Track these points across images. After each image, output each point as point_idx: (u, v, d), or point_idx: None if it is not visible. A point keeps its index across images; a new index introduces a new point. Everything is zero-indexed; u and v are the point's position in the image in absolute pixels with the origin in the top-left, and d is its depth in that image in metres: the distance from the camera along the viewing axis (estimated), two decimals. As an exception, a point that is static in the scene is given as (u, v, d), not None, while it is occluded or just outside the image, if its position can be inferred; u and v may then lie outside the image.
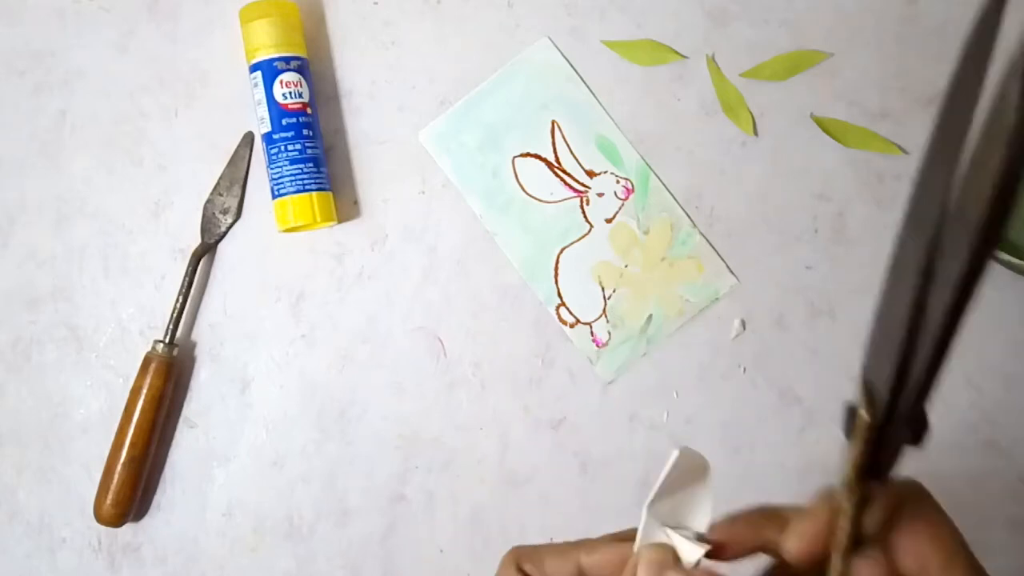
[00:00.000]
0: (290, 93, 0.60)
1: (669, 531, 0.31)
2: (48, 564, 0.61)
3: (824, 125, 0.62)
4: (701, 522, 0.32)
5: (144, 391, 0.59)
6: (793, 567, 0.32)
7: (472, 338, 0.62)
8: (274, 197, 0.61)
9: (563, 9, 0.63)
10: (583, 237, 0.62)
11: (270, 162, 0.61)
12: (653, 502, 0.32)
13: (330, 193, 0.61)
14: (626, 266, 0.62)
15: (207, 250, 0.62)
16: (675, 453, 0.31)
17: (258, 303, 0.63)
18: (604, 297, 0.62)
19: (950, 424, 0.60)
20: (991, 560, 0.31)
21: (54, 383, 0.63)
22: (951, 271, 0.24)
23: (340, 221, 0.63)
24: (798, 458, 0.60)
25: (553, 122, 0.63)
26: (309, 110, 0.61)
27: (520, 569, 0.34)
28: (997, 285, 0.60)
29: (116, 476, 0.59)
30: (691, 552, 0.31)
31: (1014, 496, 0.59)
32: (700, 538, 0.32)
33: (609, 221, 0.62)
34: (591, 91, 0.63)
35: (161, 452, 0.62)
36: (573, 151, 0.63)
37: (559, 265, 0.62)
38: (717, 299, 0.61)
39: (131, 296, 0.63)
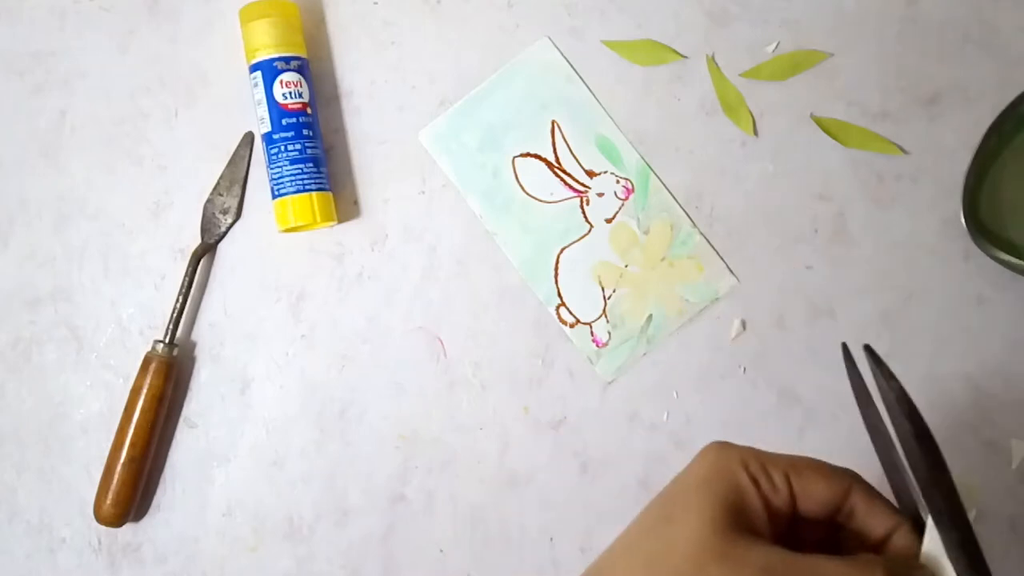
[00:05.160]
0: (290, 93, 0.60)
1: (945, 562, 0.31)
2: (48, 564, 0.61)
3: (824, 125, 0.62)
4: None
5: (144, 391, 0.59)
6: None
7: (472, 338, 0.62)
8: (274, 197, 0.61)
9: (563, 9, 0.63)
10: (583, 237, 0.62)
11: (270, 162, 0.61)
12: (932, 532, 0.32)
13: (330, 193, 0.61)
14: (626, 266, 0.62)
15: (207, 250, 0.62)
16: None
17: (258, 303, 0.63)
18: (604, 297, 0.62)
19: (950, 424, 0.60)
20: (991, 560, 0.31)
21: (54, 383, 0.63)
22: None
23: (340, 221, 0.63)
24: (798, 458, 0.60)
25: (553, 122, 0.63)
26: (309, 110, 0.61)
27: (747, 469, 0.33)
28: (997, 285, 0.60)
29: (116, 476, 0.59)
30: None
31: (1014, 496, 0.59)
32: None
33: (609, 221, 0.62)
34: (591, 91, 0.63)
35: (161, 452, 0.62)
36: (573, 151, 0.63)
37: (559, 265, 0.62)
38: (717, 299, 0.61)
39: (131, 296, 0.63)
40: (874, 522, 0.34)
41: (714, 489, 0.32)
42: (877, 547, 0.34)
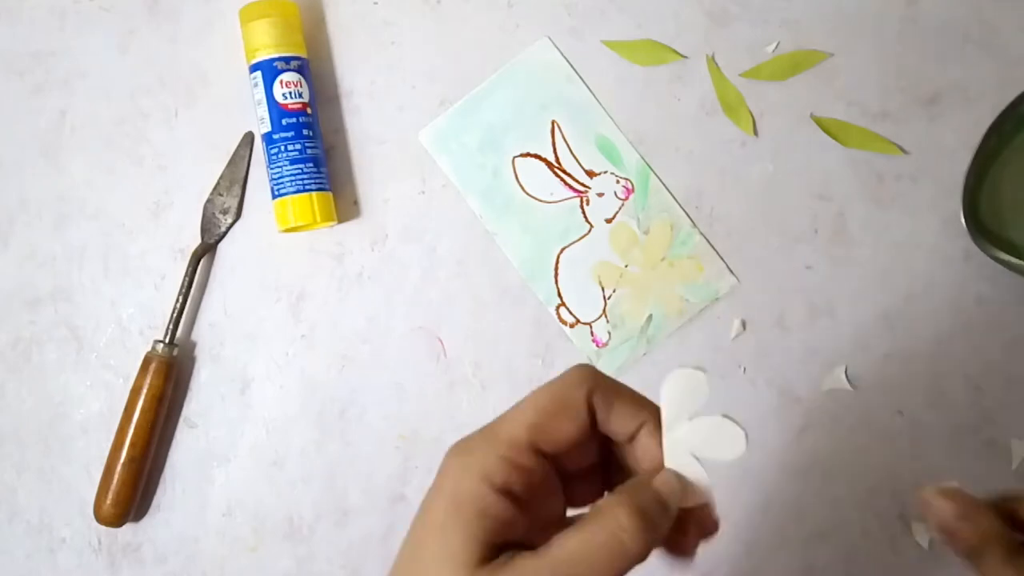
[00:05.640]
0: (290, 93, 0.60)
1: (690, 459, 0.32)
2: (48, 564, 0.61)
3: (824, 125, 0.62)
4: (733, 451, 0.32)
5: (144, 391, 0.59)
6: None
7: (472, 338, 0.62)
8: (274, 197, 0.61)
9: (563, 9, 0.63)
10: (583, 237, 0.62)
11: (270, 162, 0.61)
12: (670, 429, 0.32)
13: (330, 193, 0.61)
14: (626, 266, 0.62)
15: (207, 250, 0.62)
16: (669, 377, 0.32)
17: (258, 303, 0.63)
18: (604, 297, 0.62)
19: (950, 424, 0.60)
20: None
21: (54, 383, 0.63)
22: None
23: (340, 221, 0.63)
24: (798, 458, 0.60)
25: (553, 122, 0.63)
26: (309, 110, 0.61)
27: (491, 482, 0.31)
28: (997, 285, 0.60)
29: (116, 476, 0.59)
30: (701, 485, 0.32)
31: (1014, 496, 0.59)
32: None
33: (609, 221, 0.62)
34: (591, 91, 0.63)
35: (161, 452, 0.62)
36: (573, 151, 0.63)
37: (559, 265, 0.62)
38: (717, 299, 0.61)
39: (131, 296, 0.63)
40: (618, 424, 0.33)
41: (458, 528, 0.30)
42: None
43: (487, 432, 0.32)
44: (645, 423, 0.33)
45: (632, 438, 0.33)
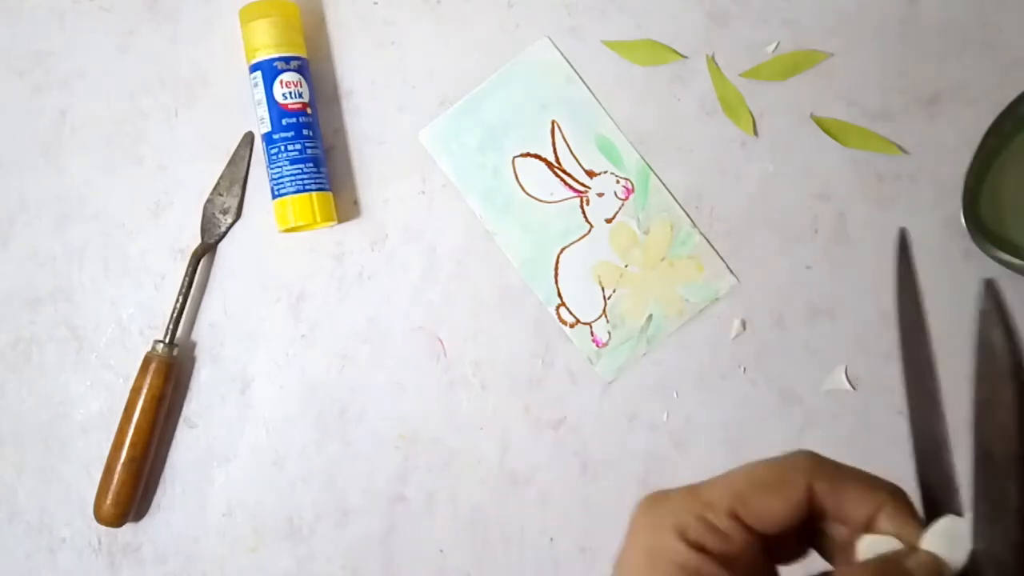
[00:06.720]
0: (290, 93, 0.60)
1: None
2: (48, 564, 0.61)
3: (824, 125, 0.62)
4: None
5: (144, 391, 0.59)
6: None
7: (472, 338, 0.62)
8: (274, 197, 0.61)
9: (563, 9, 0.63)
10: (583, 237, 0.62)
11: (270, 162, 0.61)
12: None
13: (330, 193, 0.61)
14: (626, 266, 0.62)
15: (207, 250, 0.62)
16: (931, 530, 0.29)
17: (258, 303, 0.63)
18: (604, 297, 0.62)
19: (949, 424, 0.60)
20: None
21: (54, 383, 0.63)
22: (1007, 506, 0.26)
23: (340, 221, 0.63)
24: (798, 458, 0.60)
25: (553, 122, 0.63)
26: (309, 110, 0.61)
27: (687, 538, 0.28)
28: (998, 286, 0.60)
29: (116, 476, 0.59)
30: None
31: (1014, 496, 0.59)
32: None
33: (609, 221, 0.62)
34: (591, 91, 0.63)
35: (161, 452, 0.62)
36: (573, 151, 0.63)
37: (559, 265, 0.62)
38: (717, 299, 0.61)
39: (131, 296, 0.63)
40: (851, 510, 0.30)
41: None
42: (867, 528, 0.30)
43: (688, 489, 0.29)
44: (884, 505, 0.30)
45: (868, 525, 0.30)
